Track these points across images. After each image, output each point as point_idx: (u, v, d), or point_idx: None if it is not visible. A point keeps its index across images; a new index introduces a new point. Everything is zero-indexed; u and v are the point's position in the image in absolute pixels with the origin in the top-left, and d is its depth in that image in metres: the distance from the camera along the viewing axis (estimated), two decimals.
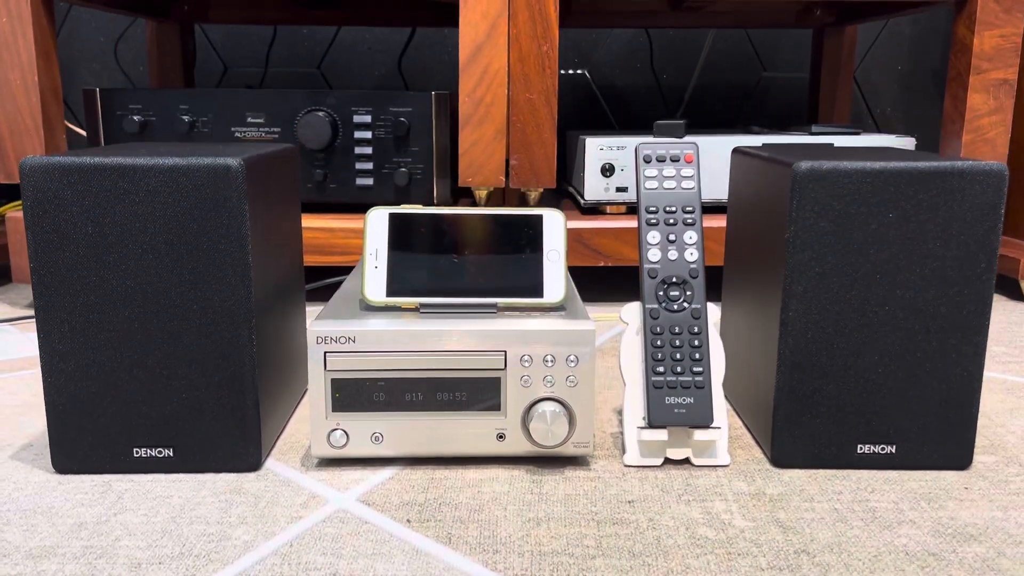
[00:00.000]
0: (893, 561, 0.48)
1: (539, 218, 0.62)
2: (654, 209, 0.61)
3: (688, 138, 1.06)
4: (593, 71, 1.57)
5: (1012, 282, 1.16)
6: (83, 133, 1.27)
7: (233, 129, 1.03)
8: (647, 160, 0.62)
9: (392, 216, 0.62)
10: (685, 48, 1.57)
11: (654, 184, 0.62)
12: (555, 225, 0.62)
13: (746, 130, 1.18)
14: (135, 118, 1.02)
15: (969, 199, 0.56)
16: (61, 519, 0.52)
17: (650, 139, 1.03)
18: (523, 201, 1.04)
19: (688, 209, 0.61)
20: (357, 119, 1.03)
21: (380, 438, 0.59)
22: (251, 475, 0.58)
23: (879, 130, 1.60)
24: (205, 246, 0.55)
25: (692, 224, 0.61)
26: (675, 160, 0.62)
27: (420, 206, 0.63)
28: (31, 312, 1.02)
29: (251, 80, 1.56)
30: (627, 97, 1.58)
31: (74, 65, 1.55)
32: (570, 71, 1.56)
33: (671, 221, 0.61)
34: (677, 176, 0.62)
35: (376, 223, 0.61)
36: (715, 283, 1.12)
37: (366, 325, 0.58)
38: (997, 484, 0.58)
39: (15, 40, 0.94)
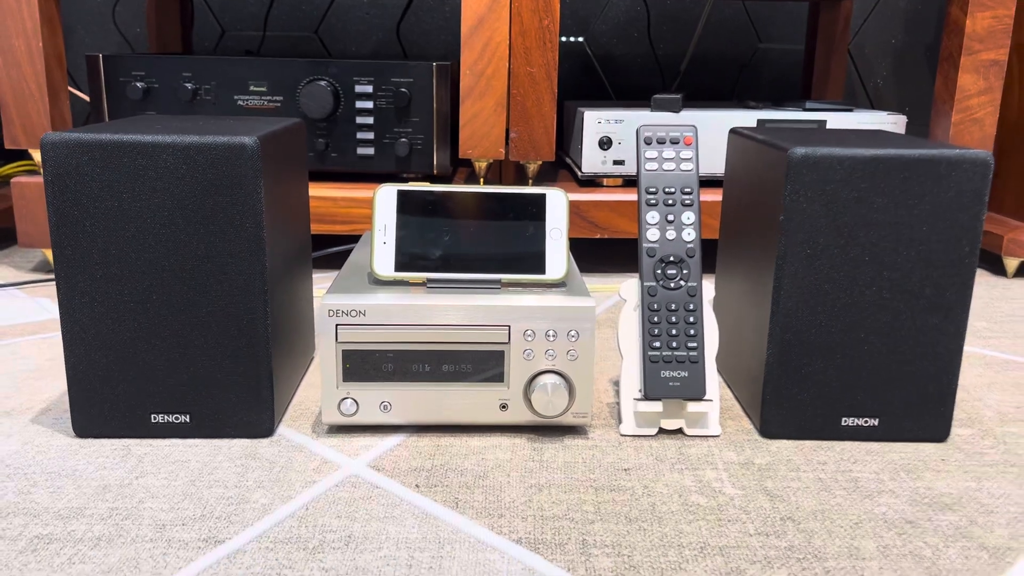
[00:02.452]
0: (873, 528, 0.51)
1: (542, 197, 0.64)
2: (654, 190, 0.64)
3: (685, 113, 1.08)
4: (590, 40, 1.57)
5: (996, 257, 1.19)
6: (85, 98, 1.28)
7: (236, 97, 1.05)
8: (647, 142, 0.64)
9: (400, 193, 0.64)
10: (682, 18, 1.57)
11: (654, 166, 0.64)
12: (557, 204, 0.64)
13: (742, 105, 1.20)
14: (138, 85, 1.03)
15: (955, 185, 0.59)
16: (86, 481, 0.55)
17: (651, 121, 1.05)
18: (522, 173, 1.06)
19: (686, 190, 0.64)
20: (359, 89, 1.04)
21: (388, 407, 0.61)
22: (265, 441, 0.61)
23: (872, 105, 1.61)
24: (221, 220, 0.57)
25: (690, 205, 0.63)
26: (675, 142, 0.64)
27: (428, 183, 0.65)
28: (37, 276, 1.04)
29: (249, 44, 1.56)
30: (624, 66, 1.59)
31: (71, 27, 1.54)
32: (569, 38, 1.57)
33: (670, 202, 0.63)
34: (676, 158, 0.64)
35: (385, 200, 0.63)
36: (711, 255, 1.14)
37: (376, 299, 0.60)
38: (972, 456, 0.61)
39: (19, 7, 0.94)
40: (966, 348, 0.85)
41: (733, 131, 0.73)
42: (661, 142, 0.64)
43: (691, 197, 0.64)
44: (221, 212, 0.57)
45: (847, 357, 0.61)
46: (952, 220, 0.59)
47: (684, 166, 0.64)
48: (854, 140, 0.63)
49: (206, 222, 0.57)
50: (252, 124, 0.64)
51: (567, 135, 1.24)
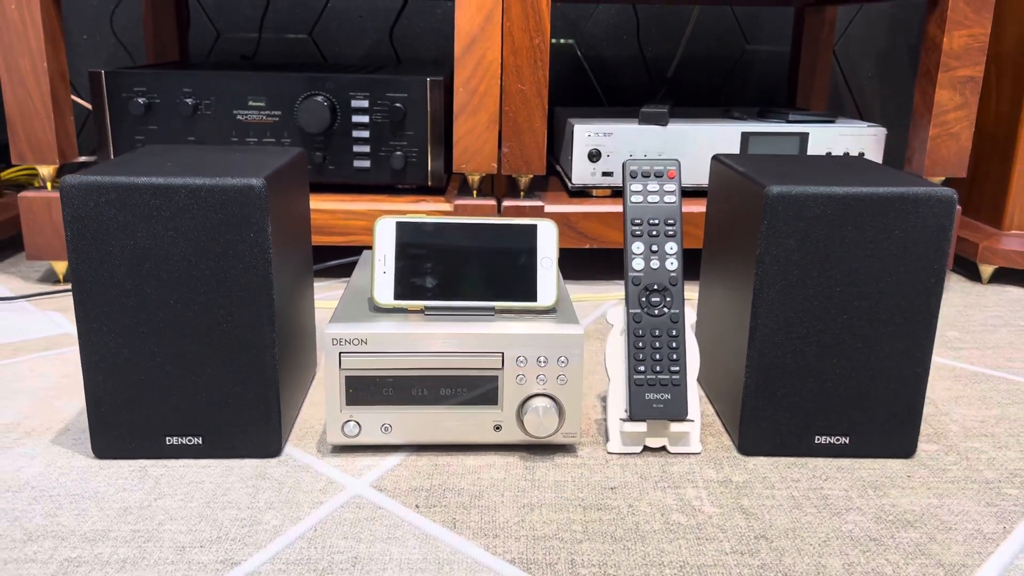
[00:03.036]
0: (839, 546, 0.56)
1: (533, 228, 0.68)
2: (639, 221, 0.67)
3: (672, 126, 1.11)
4: (581, 42, 1.60)
5: (972, 264, 1.23)
6: (87, 106, 1.30)
7: (235, 112, 1.07)
8: (633, 175, 0.68)
9: (398, 224, 0.67)
10: (670, 21, 1.60)
11: (639, 198, 0.68)
12: (548, 234, 0.68)
13: (727, 116, 1.23)
14: (140, 100, 1.05)
15: (922, 221, 0.63)
16: (108, 503, 0.59)
17: (639, 143, 1.08)
18: (514, 185, 1.10)
19: (670, 222, 0.67)
20: (355, 104, 1.07)
21: (389, 428, 0.65)
22: (273, 461, 0.65)
23: (857, 107, 1.65)
24: (231, 256, 0.61)
25: (673, 236, 0.67)
26: (659, 176, 0.68)
27: (425, 214, 0.69)
28: (46, 288, 1.07)
29: (244, 47, 1.58)
30: (613, 69, 1.62)
31: (69, 30, 1.56)
32: (559, 40, 1.59)
33: (654, 233, 0.67)
34: (660, 191, 0.68)
35: (384, 231, 0.67)
36: (695, 263, 1.18)
37: (377, 328, 0.64)
38: (936, 472, 0.66)
39: (24, 28, 0.97)
40: (936, 360, 0.89)
41: (715, 159, 0.77)
42: (646, 176, 0.68)
43: (674, 228, 0.67)
44: (231, 248, 0.61)
45: (820, 379, 0.66)
46: (919, 253, 0.63)
47: (667, 198, 0.68)
48: (830, 172, 0.67)
49: (217, 258, 0.61)
50: (258, 158, 0.67)
51: (558, 144, 1.28)
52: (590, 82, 1.62)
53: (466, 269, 0.67)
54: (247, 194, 0.60)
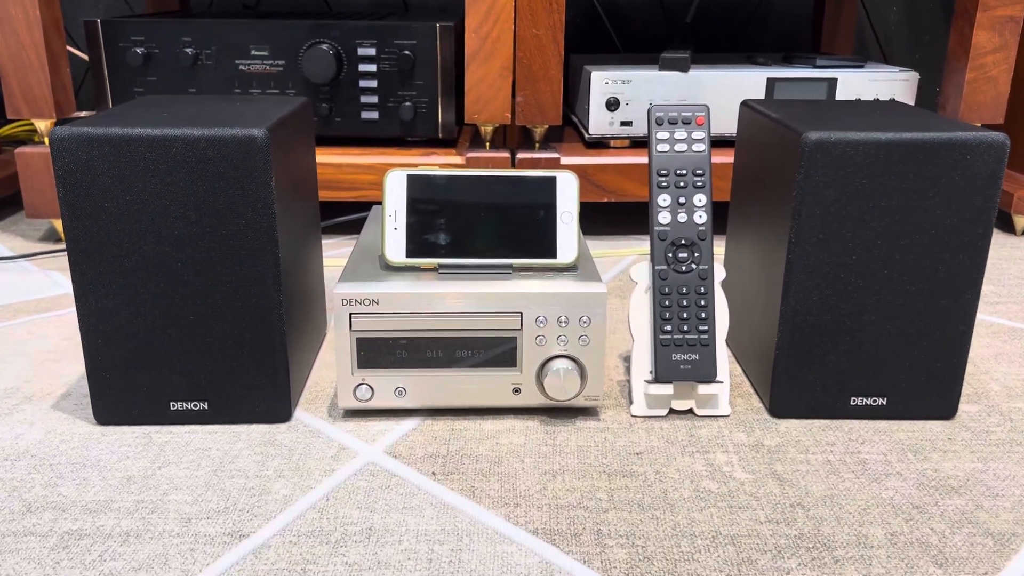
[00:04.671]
0: (881, 515, 0.53)
1: (552, 180, 0.64)
2: (665, 172, 0.63)
3: (694, 72, 1.06)
4: None
5: (1006, 215, 1.19)
6: (84, 57, 1.26)
7: (237, 62, 1.03)
8: (659, 123, 0.64)
9: (410, 177, 0.63)
10: None
11: (665, 147, 0.63)
12: (568, 187, 0.64)
13: (751, 62, 1.18)
14: (138, 51, 1.01)
15: (970, 169, 0.58)
16: (110, 472, 0.56)
17: (660, 89, 1.03)
18: (528, 136, 1.05)
19: (698, 172, 0.63)
20: (361, 52, 1.03)
21: (403, 392, 0.62)
22: (282, 426, 0.62)
23: (883, 53, 1.59)
24: (233, 212, 0.57)
25: (702, 187, 0.63)
26: (686, 122, 0.64)
27: (437, 167, 0.65)
28: (47, 247, 1.04)
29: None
30: (630, 15, 1.56)
31: None
32: None
33: (681, 184, 0.63)
34: (688, 139, 0.64)
35: (394, 185, 0.63)
36: (721, 217, 1.14)
37: (388, 287, 0.60)
38: (979, 434, 0.62)
39: None
40: None
41: (745, 104, 0.72)
42: (673, 123, 0.64)
43: (703, 179, 0.63)
44: (233, 203, 0.57)
45: (857, 338, 0.62)
46: (966, 203, 0.59)
47: (696, 147, 0.64)
48: (867, 118, 0.62)
49: (218, 214, 0.57)
50: (260, 108, 0.64)
51: (573, 92, 1.23)
52: (605, 29, 1.56)
53: (482, 225, 0.63)
54: (248, 145, 0.56)
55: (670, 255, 0.63)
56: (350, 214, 1.10)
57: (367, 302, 0.60)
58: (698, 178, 0.63)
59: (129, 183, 0.56)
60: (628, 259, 1.03)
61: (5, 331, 0.79)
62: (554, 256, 0.63)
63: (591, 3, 1.54)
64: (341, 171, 1.02)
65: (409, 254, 0.63)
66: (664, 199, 0.63)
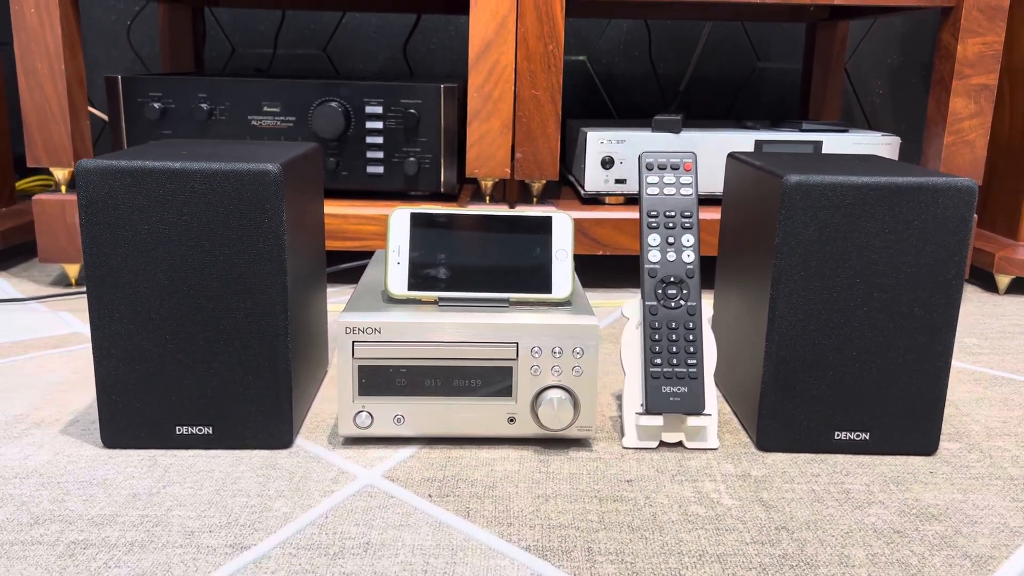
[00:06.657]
0: (863, 537, 0.54)
1: (548, 220, 0.67)
2: (655, 213, 0.67)
3: (685, 134, 1.11)
4: (592, 59, 1.61)
5: (988, 275, 1.22)
6: (103, 117, 1.31)
7: (250, 118, 1.08)
8: (649, 167, 0.68)
9: (413, 215, 0.67)
10: (682, 38, 1.61)
11: (655, 190, 0.67)
12: (563, 226, 0.67)
13: (740, 126, 1.23)
14: (155, 105, 1.06)
15: (942, 211, 0.62)
16: (116, 490, 0.58)
17: (652, 145, 1.08)
18: (526, 191, 1.09)
19: (686, 214, 0.67)
20: (369, 110, 1.08)
21: (402, 420, 0.64)
22: (284, 452, 0.64)
23: (868, 123, 1.65)
24: (245, 243, 0.61)
25: (689, 228, 0.67)
26: (675, 168, 0.68)
27: (439, 205, 0.68)
28: (57, 290, 1.07)
29: (259, 62, 1.59)
30: (625, 85, 1.62)
31: (85, 43, 1.58)
32: (572, 57, 1.60)
33: (670, 224, 0.67)
34: (676, 183, 0.67)
35: (398, 222, 0.67)
36: (709, 271, 1.17)
37: (390, 317, 0.63)
38: (959, 469, 0.64)
39: (43, 31, 0.97)
40: (956, 364, 0.88)
41: (731, 156, 0.76)
42: (662, 168, 0.68)
43: (690, 220, 0.67)
44: (245, 235, 0.60)
45: (839, 374, 0.64)
46: (939, 244, 0.62)
47: (684, 191, 0.67)
48: (847, 167, 0.66)
49: (231, 244, 0.61)
50: (273, 149, 0.67)
51: (570, 153, 1.28)
52: (602, 98, 1.63)
53: (480, 260, 0.66)
54: (262, 179, 0.60)
55: (659, 291, 0.66)
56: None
57: (370, 331, 0.63)
58: (686, 219, 0.67)
59: (148, 213, 0.60)
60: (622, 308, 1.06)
61: (16, 364, 0.82)
62: (549, 291, 0.66)
63: (588, 73, 1.61)
64: (347, 221, 1.06)
65: (411, 287, 0.66)
66: (654, 239, 0.66)
